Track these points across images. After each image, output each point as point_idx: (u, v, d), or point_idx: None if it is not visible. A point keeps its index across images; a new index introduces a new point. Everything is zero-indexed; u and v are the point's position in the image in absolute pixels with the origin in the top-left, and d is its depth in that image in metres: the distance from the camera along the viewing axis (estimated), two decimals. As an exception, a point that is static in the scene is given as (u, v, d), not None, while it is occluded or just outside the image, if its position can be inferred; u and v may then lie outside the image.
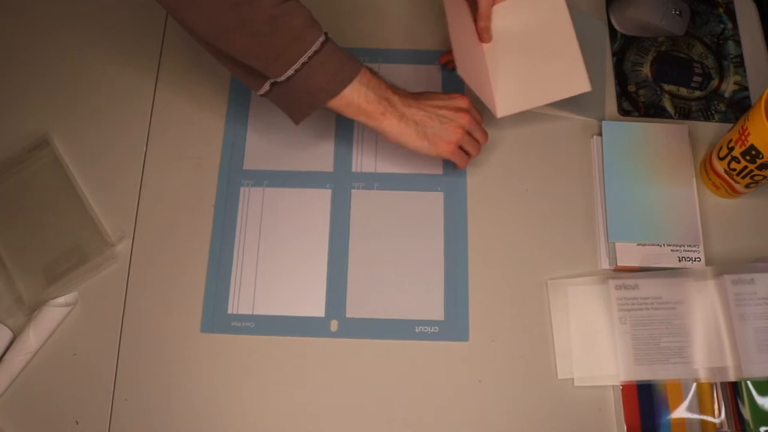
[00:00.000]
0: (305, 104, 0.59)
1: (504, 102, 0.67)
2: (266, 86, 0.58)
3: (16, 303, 0.66)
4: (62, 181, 0.69)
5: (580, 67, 0.66)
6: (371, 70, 0.60)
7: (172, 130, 0.72)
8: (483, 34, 0.69)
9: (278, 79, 0.56)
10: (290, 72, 0.56)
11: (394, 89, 0.62)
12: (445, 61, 0.74)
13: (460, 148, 0.64)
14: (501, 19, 0.70)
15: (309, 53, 0.55)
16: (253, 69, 0.57)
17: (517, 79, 0.68)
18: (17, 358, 0.63)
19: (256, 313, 0.65)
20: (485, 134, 0.66)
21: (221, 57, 0.58)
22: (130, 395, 0.63)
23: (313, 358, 0.64)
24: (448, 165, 0.70)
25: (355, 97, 0.59)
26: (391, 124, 0.61)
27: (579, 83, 0.65)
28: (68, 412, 0.62)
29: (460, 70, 0.62)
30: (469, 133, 0.64)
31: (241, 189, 0.70)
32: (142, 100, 0.74)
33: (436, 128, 0.62)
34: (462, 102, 0.64)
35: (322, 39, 0.56)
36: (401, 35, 0.76)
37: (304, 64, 0.55)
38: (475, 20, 0.69)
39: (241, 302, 0.65)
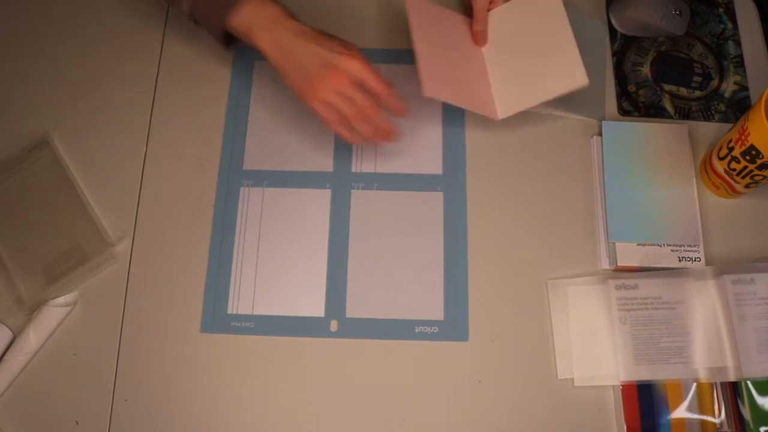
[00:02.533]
0: (216, 15, 0.61)
1: (504, 103, 0.67)
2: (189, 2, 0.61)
3: (16, 303, 0.66)
4: (62, 181, 0.69)
5: (577, 61, 0.65)
6: None
7: (172, 130, 0.72)
8: (479, 38, 0.69)
9: None
10: None
11: (295, 19, 0.61)
12: None
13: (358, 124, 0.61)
14: (495, 22, 0.70)
15: None
16: None
17: (514, 79, 0.68)
18: (17, 358, 0.63)
19: (255, 313, 0.65)
20: (383, 85, 0.60)
21: None
22: (130, 395, 0.63)
23: (313, 358, 0.64)
24: (448, 165, 0.70)
25: (251, 16, 0.60)
26: (273, 49, 0.60)
27: (577, 77, 0.65)
28: (68, 412, 0.63)
29: (429, 91, 0.61)
30: (353, 101, 0.60)
31: (241, 189, 0.70)
32: (142, 99, 0.74)
33: (315, 72, 0.59)
34: (355, 52, 0.60)
35: None
36: (401, 35, 0.76)
37: None
38: (471, 25, 0.69)
39: (240, 302, 0.66)
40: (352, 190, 0.69)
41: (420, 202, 0.69)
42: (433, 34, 0.67)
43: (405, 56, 0.74)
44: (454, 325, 0.65)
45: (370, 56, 0.72)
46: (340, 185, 0.70)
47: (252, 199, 0.69)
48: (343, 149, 0.71)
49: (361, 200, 0.69)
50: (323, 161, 0.71)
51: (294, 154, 0.71)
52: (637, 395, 0.61)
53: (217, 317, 0.65)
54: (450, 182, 0.70)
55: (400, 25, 0.76)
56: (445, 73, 0.66)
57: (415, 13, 0.67)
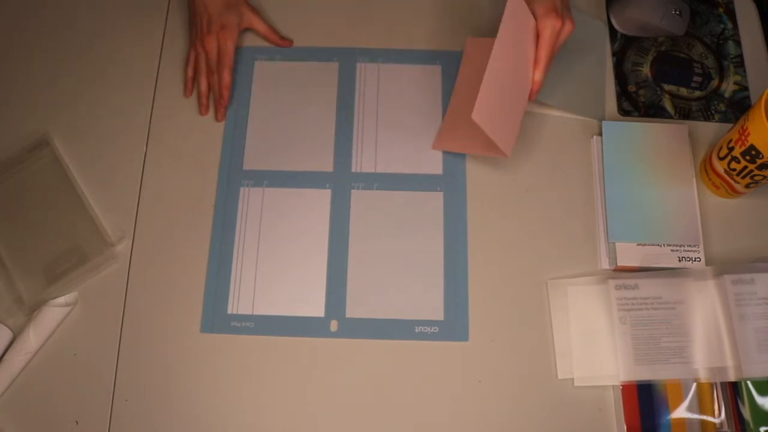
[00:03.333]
0: None
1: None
2: None
3: (16, 303, 0.66)
4: (62, 181, 0.69)
5: (513, 134, 0.63)
6: None
7: (172, 130, 0.72)
8: (534, 89, 0.64)
9: None
10: None
11: None
12: None
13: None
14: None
15: None
16: None
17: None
18: (17, 358, 0.63)
19: (255, 313, 0.65)
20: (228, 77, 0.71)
21: None
22: (130, 395, 0.63)
23: (313, 358, 0.64)
24: (448, 165, 0.70)
25: None
26: None
27: (503, 148, 0.63)
28: (68, 412, 0.62)
29: (435, 145, 0.65)
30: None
31: (241, 189, 0.70)
32: (142, 100, 0.74)
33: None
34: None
35: None
36: (401, 35, 0.76)
37: None
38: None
39: (240, 302, 0.66)
40: (352, 190, 0.69)
41: (420, 202, 0.69)
42: (477, 72, 0.62)
43: (414, 57, 0.75)
44: (454, 325, 0.65)
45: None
46: (340, 185, 0.70)
47: (252, 199, 0.69)
48: (343, 149, 0.71)
49: (361, 200, 0.69)
50: (323, 161, 0.71)
51: (294, 154, 0.71)
52: (637, 395, 0.61)
53: (217, 317, 0.65)
54: (450, 182, 0.70)
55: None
56: (463, 125, 0.64)
57: (469, 53, 0.67)
